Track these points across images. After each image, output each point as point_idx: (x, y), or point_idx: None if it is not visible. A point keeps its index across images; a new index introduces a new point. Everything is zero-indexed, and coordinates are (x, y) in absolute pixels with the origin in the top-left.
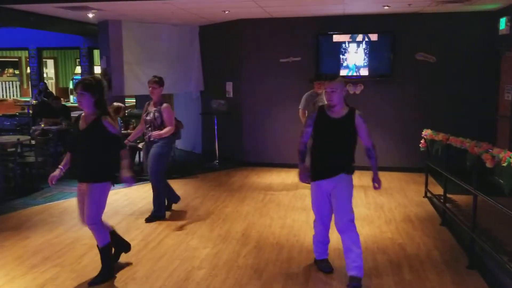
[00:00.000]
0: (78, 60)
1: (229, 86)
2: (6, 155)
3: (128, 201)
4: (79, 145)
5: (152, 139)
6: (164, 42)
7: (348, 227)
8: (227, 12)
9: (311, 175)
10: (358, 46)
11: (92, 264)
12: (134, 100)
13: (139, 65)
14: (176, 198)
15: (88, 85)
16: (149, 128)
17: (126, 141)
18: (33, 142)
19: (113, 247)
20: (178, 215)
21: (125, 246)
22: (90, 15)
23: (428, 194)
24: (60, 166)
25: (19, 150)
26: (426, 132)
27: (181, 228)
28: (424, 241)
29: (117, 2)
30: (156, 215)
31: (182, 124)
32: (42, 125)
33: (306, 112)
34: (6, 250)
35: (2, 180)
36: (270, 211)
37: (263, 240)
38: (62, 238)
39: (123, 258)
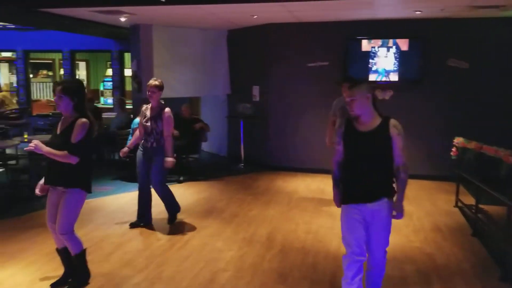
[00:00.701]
0: (109, 62)
1: (255, 90)
2: (36, 154)
3: (155, 201)
4: (55, 148)
5: (153, 146)
6: (192, 46)
7: (380, 262)
8: (255, 16)
9: (342, 198)
10: (388, 50)
11: (119, 262)
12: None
13: (168, 68)
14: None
15: (67, 88)
16: (151, 136)
17: (126, 148)
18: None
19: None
20: (204, 217)
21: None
22: (123, 19)
23: (459, 204)
24: None
25: None
26: (458, 140)
27: (206, 230)
28: (454, 252)
29: (149, 7)
30: (173, 213)
31: (209, 126)
32: None
33: (337, 121)
34: (38, 246)
35: (34, 177)
36: (295, 216)
37: (288, 244)
38: (91, 236)
39: (149, 257)
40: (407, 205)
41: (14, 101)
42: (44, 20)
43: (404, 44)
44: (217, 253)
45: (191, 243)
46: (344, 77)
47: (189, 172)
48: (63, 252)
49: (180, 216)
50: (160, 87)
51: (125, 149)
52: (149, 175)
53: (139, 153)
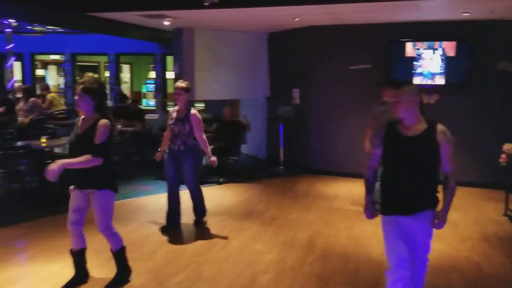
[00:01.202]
0: (151, 65)
1: (295, 93)
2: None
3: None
4: (77, 150)
5: (181, 148)
6: (233, 49)
7: (423, 269)
8: (297, 19)
9: (382, 208)
10: (434, 52)
11: (163, 260)
12: (203, 105)
13: (209, 71)
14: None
15: (88, 88)
16: (178, 138)
17: (159, 152)
18: None
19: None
20: (243, 219)
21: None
22: (166, 23)
23: (508, 213)
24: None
25: None
26: (508, 147)
27: (246, 232)
28: (503, 262)
29: (193, 11)
30: (200, 216)
31: (250, 126)
32: (119, 126)
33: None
34: None
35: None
36: (336, 221)
37: (329, 249)
38: (135, 234)
39: (190, 257)
40: (453, 213)
41: (62, 102)
42: (92, 24)
43: (450, 47)
44: (257, 255)
45: (231, 245)
46: (387, 80)
47: (228, 174)
48: (77, 255)
49: (220, 218)
50: (186, 89)
51: (159, 153)
52: (178, 178)
53: (167, 156)
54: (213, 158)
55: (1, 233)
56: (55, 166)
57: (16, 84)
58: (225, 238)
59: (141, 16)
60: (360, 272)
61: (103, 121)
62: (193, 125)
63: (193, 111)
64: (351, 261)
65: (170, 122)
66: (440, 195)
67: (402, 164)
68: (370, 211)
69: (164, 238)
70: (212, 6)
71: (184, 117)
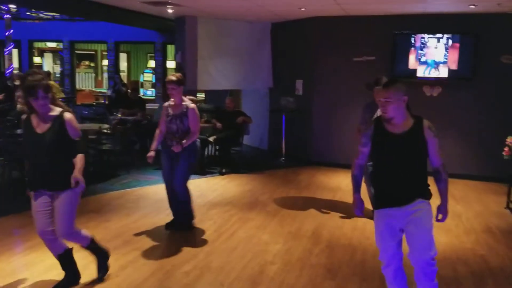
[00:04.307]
0: (149, 54)
1: (299, 84)
2: (87, 141)
3: (199, 192)
4: (42, 149)
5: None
6: (236, 39)
7: (428, 271)
8: (303, 9)
9: (374, 203)
10: (438, 41)
11: (169, 250)
12: (203, 95)
13: (211, 60)
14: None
15: (48, 85)
16: (175, 135)
17: (151, 152)
18: (108, 131)
19: (96, 256)
20: (248, 210)
21: (105, 254)
22: (170, 11)
23: (511, 205)
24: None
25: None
26: (511, 140)
27: (251, 222)
28: (508, 254)
29: None
30: (186, 221)
31: (251, 119)
32: (119, 115)
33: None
34: (90, 231)
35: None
36: (340, 212)
37: (334, 240)
38: (139, 224)
39: (198, 247)
40: (455, 205)
41: (61, 90)
42: (94, 10)
43: (455, 40)
44: (264, 245)
45: (237, 235)
46: (377, 79)
47: (231, 164)
48: (65, 257)
49: (224, 208)
50: (179, 82)
51: (151, 153)
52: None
53: (162, 156)
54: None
55: (4, 222)
56: (80, 179)
57: (15, 71)
58: (232, 228)
59: (145, 3)
60: (367, 263)
61: (70, 115)
62: (190, 119)
63: (191, 105)
64: (358, 252)
65: (166, 118)
66: (432, 189)
67: (391, 160)
68: (359, 208)
69: (170, 230)
70: None
71: (181, 113)
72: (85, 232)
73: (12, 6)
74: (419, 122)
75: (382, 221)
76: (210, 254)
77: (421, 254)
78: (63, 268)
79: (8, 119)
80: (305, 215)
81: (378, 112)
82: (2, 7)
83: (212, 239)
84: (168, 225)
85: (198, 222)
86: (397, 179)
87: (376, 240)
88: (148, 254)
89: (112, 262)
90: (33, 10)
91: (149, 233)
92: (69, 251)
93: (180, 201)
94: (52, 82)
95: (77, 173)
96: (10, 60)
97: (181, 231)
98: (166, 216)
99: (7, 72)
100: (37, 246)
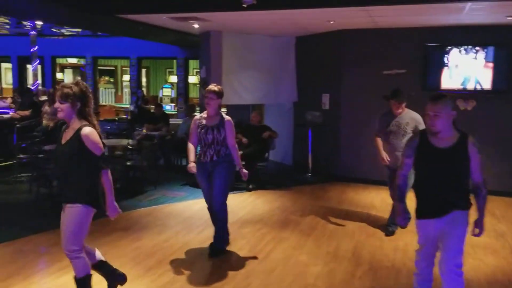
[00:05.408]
0: (168, 69)
1: (325, 98)
2: (114, 157)
3: (229, 209)
4: (64, 162)
5: (213, 159)
6: (260, 53)
7: (453, 274)
8: (332, 22)
9: (415, 213)
10: (472, 58)
11: (205, 271)
12: (225, 110)
13: (235, 75)
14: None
15: (67, 93)
16: (210, 147)
17: (192, 163)
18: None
19: (106, 279)
20: (280, 228)
21: (120, 276)
22: (196, 26)
23: None
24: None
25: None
26: None
27: (286, 242)
28: None
29: (225, 13)
30: (221, 248)
31: (277, 133)
32: (144, 131)
33: (378, 138)
34: (121, 250)
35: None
36: (377, 231)
37: (376, 261)
38: (171, 242)
39: (234, 268)
40: (496, 223)
41: None
42: (120, 26)
43: (489, 52)
44: (303, 267)
45: (273, 255)
46: (394, 92)
47: (257, 180)
48: (100, 266)
49: (256, 226)
50: (219, 94)
51: (192, 164)
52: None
53: (199, 174)
54: (245, 171)
55: (34, 239)
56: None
57: (40, 87)
58: (266, 248)
59: (172, 18)
60: None
61: (88, 129)
62: (227, 132)
63: (227, 117)
64: (402, 275)
65: (201, 130)
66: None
67: (434, 173)
68: (404, 218)
69: (203, 248)
70: (250, 8)
71: (218, 124)
72: (97, 255)
73: (38, 22)
74: (464, 137)
75: (422, 228)
76: (248, 276)
77: (448, 260)
78: None
79: (34, 135)
80: (341, 235)
81: (392, 122)
82: (28, 23)
83: (248, 260)
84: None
85: (230, 240)
86: (437, 192)
87: (418, 241)
88: (184, 274)
89: (148, 283)
90: (57, 26)
91: (182, 252)
92: (89, 277)
93: (218, 220)
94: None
95: (108, 200)
96: (36, 76)
97: (213, 257)
98: (197, 234)
99: (33, 87)
100: (69, 266)
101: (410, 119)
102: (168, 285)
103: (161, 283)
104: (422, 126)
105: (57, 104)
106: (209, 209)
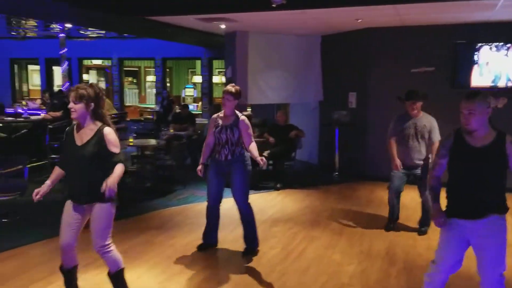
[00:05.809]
0: (190, 70)
1: (352, 97)
2: (144, 157)
3: (258, 208)
4: (78, 163)
5: (228, 159)
6: (285, 52)
7: (496, 283)
8: (360, 20)
9: (446, 212)
10: (503, 55)
11: (239, 269)
12: (250, 109)
13: (261, 74)
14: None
15: (82, 94)
16: (225, 147)
17: (201, 165)
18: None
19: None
20: (311, 227)
21: None
22: (223, 26)
23: None
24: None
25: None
26: None
27: (318, 241)
28: None
29: (253, 13)
30: (253, 248)
31: (303, 132)
32: (171, 131)
33: (392, 141)
34: (157, 248)
35: (140, 179)
36: (409, 230)
37: (410, 261)
38: None
39: (269, 266)
40: None
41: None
42: (149, 27)
43: None
44: (337, 266)
45: (306, 254)
46: (409, 93)
47: (284, 179)
48: (69, 272)
49: (287, 225)
50: (235, 95)
51: (200, 167)
52: (221, 192)
53: (210, 169)
54: (261, 158)
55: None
56: (110, 185)
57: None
58: (299, 247)
59: (199, 19)
60: (451, 287)
61: (109, 129)
62: (241, 132)
63: (242, 117)
64: None
65: (215, 130)
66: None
67: (470, 173)
68: (439, 219)
69: (236, 246)
70: (279, 7)
71: (232, 124)
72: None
73: (67, 25)
74: (502, 136)
75: (451, 230)
76: (283, 275)
77: (490, 270)
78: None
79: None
80: (373, 234)
81: (408, 124)
82: (58, 26)
83: (281, 258)
84: (200, 247)
85: (262, 239)
86: (473, 192)
87: (439, 245)
88: (220, 272)
89: (185, 281)
90: (84, 28)
91: (215, 251)
92: (75, 269)
93: (244, 220)
94: (107, 100)
95: (110, 179)
96: (65, 77)
97: (247, 256)
98: (230, 232)
99: (63, 88)
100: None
101: (428, 122)
102: (204, 282)
103: (198, 280)
104: (436, 131)
105: (71, 105)
106: (209, 208)
